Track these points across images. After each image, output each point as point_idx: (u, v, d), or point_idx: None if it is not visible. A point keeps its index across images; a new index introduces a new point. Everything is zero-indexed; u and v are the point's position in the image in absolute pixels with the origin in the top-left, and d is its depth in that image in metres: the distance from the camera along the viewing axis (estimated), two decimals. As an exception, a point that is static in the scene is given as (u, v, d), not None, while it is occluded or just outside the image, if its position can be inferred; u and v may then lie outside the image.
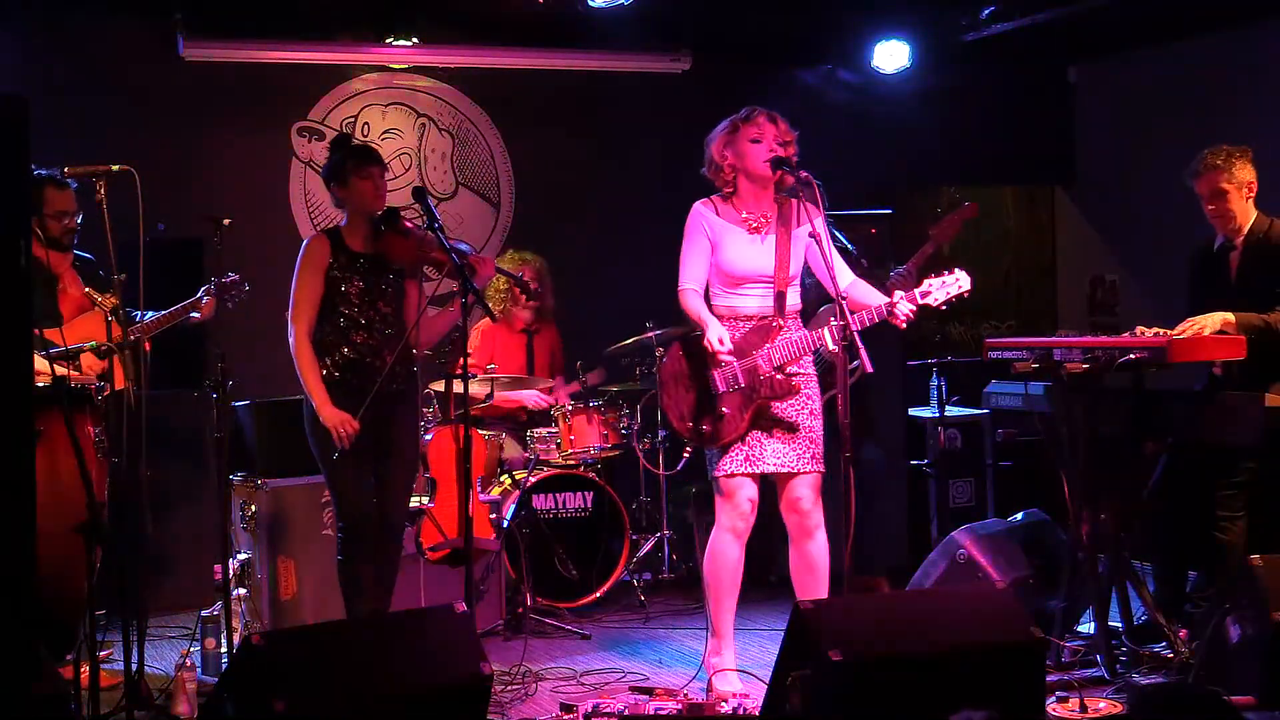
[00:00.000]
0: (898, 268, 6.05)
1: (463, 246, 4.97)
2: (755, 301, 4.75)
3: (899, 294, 4.61)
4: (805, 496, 4.76)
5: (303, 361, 4.90)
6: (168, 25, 6.65)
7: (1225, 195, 5.14)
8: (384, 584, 5.03)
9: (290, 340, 4.90)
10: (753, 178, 4.75)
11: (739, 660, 4.93)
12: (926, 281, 4.63)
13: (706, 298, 4.80)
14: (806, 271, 4.88)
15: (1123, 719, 4.34)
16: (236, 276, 5.35)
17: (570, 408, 6.29)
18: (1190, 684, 4.36)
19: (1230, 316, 4.91)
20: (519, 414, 6.65)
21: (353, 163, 4.98)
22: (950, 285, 4.59)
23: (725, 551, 4.76)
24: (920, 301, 4.58)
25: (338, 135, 5.47)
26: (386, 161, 5.13)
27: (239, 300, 5.38)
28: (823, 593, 4.71)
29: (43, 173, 5.01)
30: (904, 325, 4.61)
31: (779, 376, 4.68)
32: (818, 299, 5.57)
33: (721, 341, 4.59)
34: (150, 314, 5.27)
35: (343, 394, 4.89)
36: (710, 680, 4.81)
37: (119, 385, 4.86)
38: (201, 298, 5.29)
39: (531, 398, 6.54)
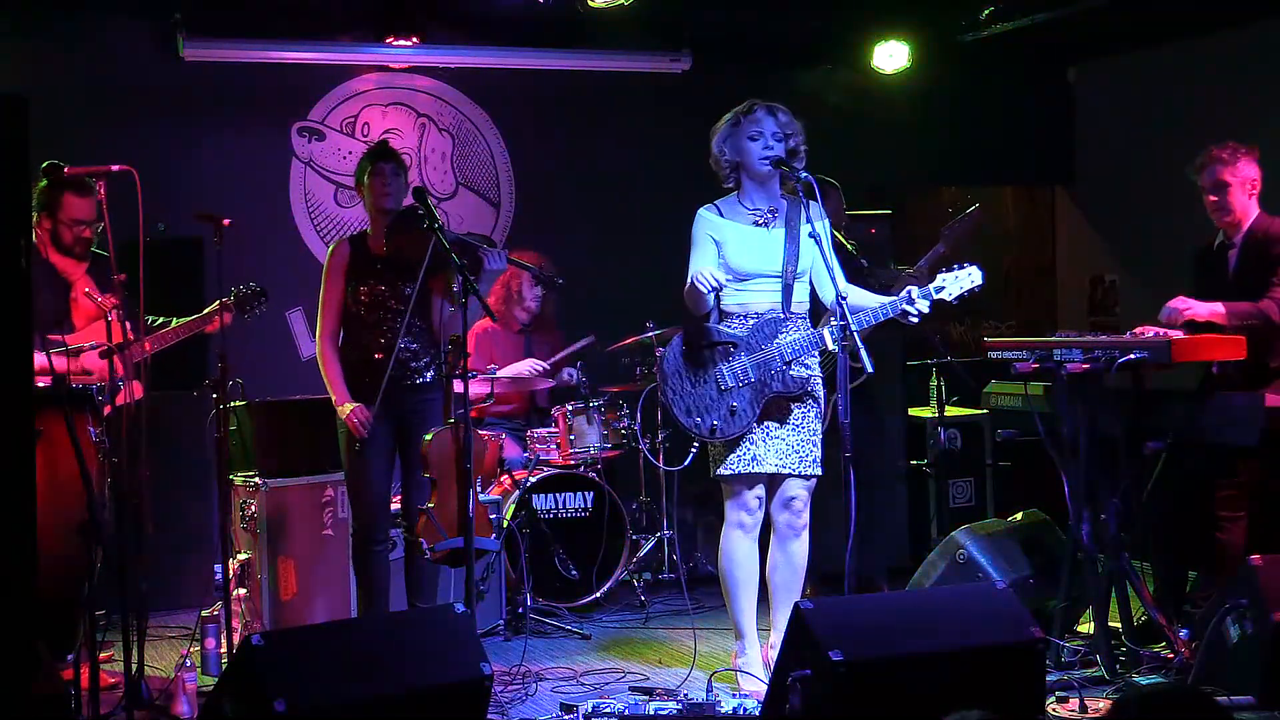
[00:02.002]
0: (908, 270, 6.00)
1: (472, 240, 4.96)
2: (765, 297, 4.72)
3: (912, 288, 4.59)
4: (800, 497, 4.78)
5: (323, 361, 5.07)
6: (168, 25, 6.63)
7: (1226, 188, 5.14)
8: (429, 585, 5.14)
9: (314, 345, 4.97)
10: (752, 174, 4.75)
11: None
12: (940, 276, 4.63)
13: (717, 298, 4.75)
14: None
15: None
16: (257, 287, 5.33)
17: (570, 408, 6.28)
18: (1174, 685, 4.35)
19: (1220, 308, 4.97)
20: (520, 414, 6.64)
21: (366, 162, 5.04)
22: (964, 279, 4.60)
23: (736, 548, 4.74)
24: (935, 296, 4.58)
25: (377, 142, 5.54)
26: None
27: (257, 314, 5.36)
28: (798, 593, 4.75)
29: (63, 174, 4.90)
30: (919, 321, 4.61)
31: (790, 372, 4.67)
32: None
33: (707, 275, 4.52)
34: (163, 320, 5.25)
35: (361, 394, 4.98)
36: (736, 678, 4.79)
37: (138, 394, 4.83)
38: (212, 315, 5.25)
39: (527, 366, 6.45)
